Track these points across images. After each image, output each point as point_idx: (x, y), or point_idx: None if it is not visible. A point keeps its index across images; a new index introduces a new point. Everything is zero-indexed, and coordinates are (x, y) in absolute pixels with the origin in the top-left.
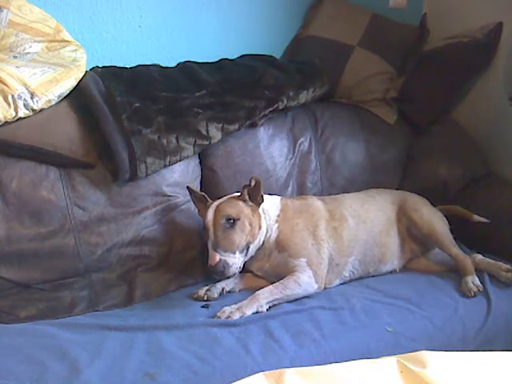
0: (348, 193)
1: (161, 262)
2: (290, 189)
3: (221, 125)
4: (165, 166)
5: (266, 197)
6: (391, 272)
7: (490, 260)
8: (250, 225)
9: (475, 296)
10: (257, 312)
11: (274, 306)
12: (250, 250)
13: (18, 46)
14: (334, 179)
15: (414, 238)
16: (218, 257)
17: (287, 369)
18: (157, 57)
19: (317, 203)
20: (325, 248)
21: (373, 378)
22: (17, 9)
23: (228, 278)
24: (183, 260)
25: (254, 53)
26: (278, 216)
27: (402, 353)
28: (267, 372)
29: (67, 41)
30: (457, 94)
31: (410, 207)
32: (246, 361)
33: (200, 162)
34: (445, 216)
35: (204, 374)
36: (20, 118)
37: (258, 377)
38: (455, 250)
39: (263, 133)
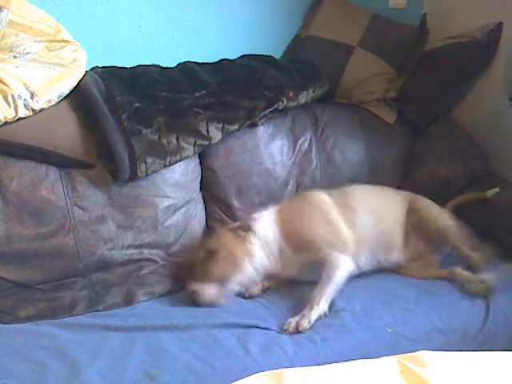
0: None
1: (161, 263)
2: (289, 188)
3: (221, 125)
4: (165, 166)
5: (260, 217)
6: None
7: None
8: (232, 255)
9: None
10: (325, 315)
11: None
12: (235, 281)
13: (18, 46)
14: (334, 178)
15: (420, 234)
16: (191, 287)
17: (287, 369)
18: (157, 57)
19: (322, 196)
20: (343, 228)
21: (373, 378)
22: (17, 9)
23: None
24: (183, 260)
25: (253, 53)
26: (280, 228)
27: (402, 353)
28: (267, 372)
29: (67, 41)
30: (457, 94)
31: (419, 203)
32: (246, 361)
33: (200, 162)
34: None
35: (204, 375)
36: (20, 118)
37: (258, 377)
38: (466, 248)
39: (263, 132)
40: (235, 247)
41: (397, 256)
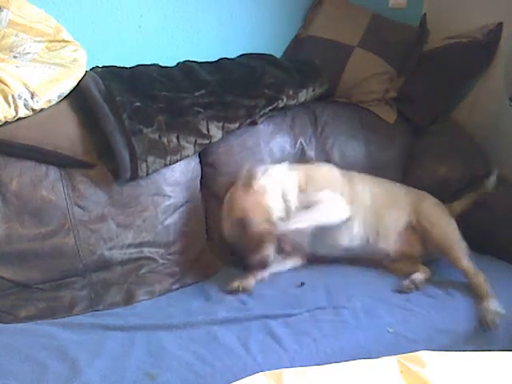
0: None
1: (161, 262)
2: None
3: (221, 124)
4: (165, 166)
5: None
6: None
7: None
8: None
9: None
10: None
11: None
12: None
13: (18, 46)
14: None
15: (418, 235)
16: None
17: (287, 369)
18: (157, 57)
19: (333, 170)
20: (344, 187)
21: (373, 378)
22: (17, 9)
23: None
24: (183, 260)
25: (253, 53)
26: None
27: (402, 353)
28: (267, 372)
29: (67, 41)
30: (457, 94)
31: (422, 204)
32: (246, 361)
33: (200, 161)
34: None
35: (204, 374)
36: (20, 118)
37: (258, 377)
38: (466, 262)
39: (263, 130)
40: (257, 200)
41: (386, 244)
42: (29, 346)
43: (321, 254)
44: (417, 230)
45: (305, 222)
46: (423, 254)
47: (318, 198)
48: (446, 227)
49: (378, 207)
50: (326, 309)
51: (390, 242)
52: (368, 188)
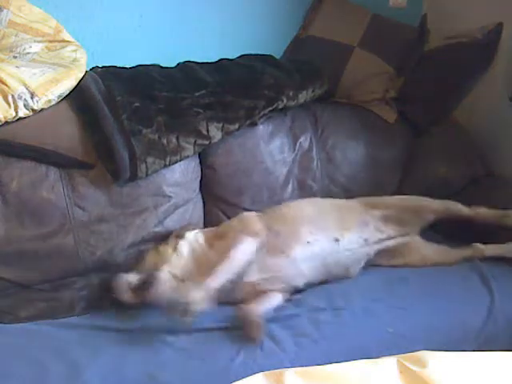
0: (349, 191)
1: None
2: (290, 186)
3: (221, 124)
4: (165, 166)
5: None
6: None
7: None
8: None
9: None
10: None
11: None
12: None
13: (18, 46)
14: (334, 177)
15: (390, 220)
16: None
17: (287, 369)
18: (157, 57)
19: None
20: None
21: (373, 378)
22: (17, 9)
23: None
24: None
25: (253, 53)
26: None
27: (402, 353)
28: (267, 372)
29: (67, 41)
30: (457, 94)
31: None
32: (246, 361)
33: (200, 162)
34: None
35: (204, 374)
36: (20, 118)
37: (258, 377)
38: (466, 209)
39: (263, 131)
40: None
41: (357, 235)
42: (29, 346)
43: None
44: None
45: (220, 276)
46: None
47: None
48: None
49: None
50: (325, 310)
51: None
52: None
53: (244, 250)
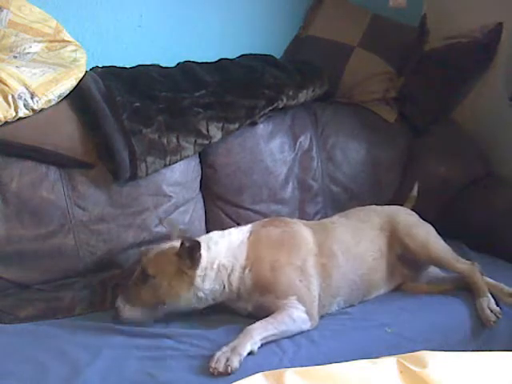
0: (349, 191)
1: None
2: (290, 185)
3: (221, 124)
4: (165, 166)
5: (223, 241)
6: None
7: (491, 281)
8: (170, 285)
9: (495, 323)
10: (251, 352)
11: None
12: (170, 308)
13: (18, 46)
14: (335, 176)
15: (406, 263)
16: (117, 302)
17: (287, 369)
18: (157, 57)
19: (304, 232)
20: (315, 285)
21: (373, 378)
22: (17, 9)
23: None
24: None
25: (253, 53)
26: (247, 259)
27: (402, 353)
28: (267, 372)
29: (67, 41)
30: (457, 94)
31: (402, 231)
32: (246, 361)
33: (200, 161)
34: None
35: (204, 374)
36: (20, 118)
37: (258, 377)
38: (459, 265)
39: (263, 130)
40: (176, 279)
41: (377, 293)
42: (29, 346)
43: None
44: (402, 258)
45: (267, 332)
46: (415, 274)
47: (279, 305)
48: (427, 240)
49: (359, 269)
50: None
51: (381, 289)
52: (344, 248)
53: (292, 329)
